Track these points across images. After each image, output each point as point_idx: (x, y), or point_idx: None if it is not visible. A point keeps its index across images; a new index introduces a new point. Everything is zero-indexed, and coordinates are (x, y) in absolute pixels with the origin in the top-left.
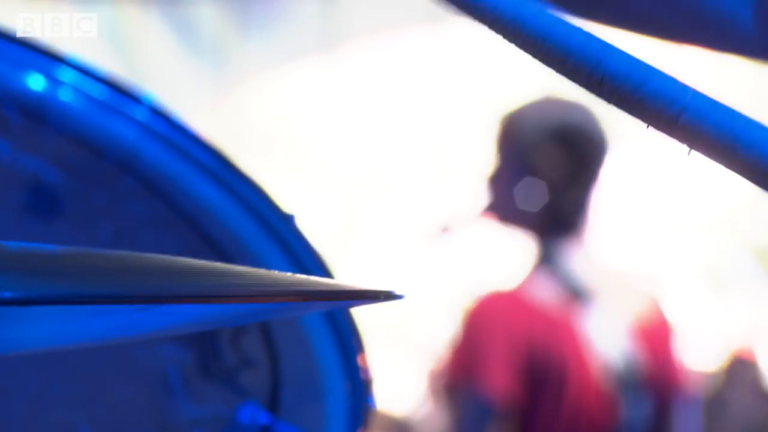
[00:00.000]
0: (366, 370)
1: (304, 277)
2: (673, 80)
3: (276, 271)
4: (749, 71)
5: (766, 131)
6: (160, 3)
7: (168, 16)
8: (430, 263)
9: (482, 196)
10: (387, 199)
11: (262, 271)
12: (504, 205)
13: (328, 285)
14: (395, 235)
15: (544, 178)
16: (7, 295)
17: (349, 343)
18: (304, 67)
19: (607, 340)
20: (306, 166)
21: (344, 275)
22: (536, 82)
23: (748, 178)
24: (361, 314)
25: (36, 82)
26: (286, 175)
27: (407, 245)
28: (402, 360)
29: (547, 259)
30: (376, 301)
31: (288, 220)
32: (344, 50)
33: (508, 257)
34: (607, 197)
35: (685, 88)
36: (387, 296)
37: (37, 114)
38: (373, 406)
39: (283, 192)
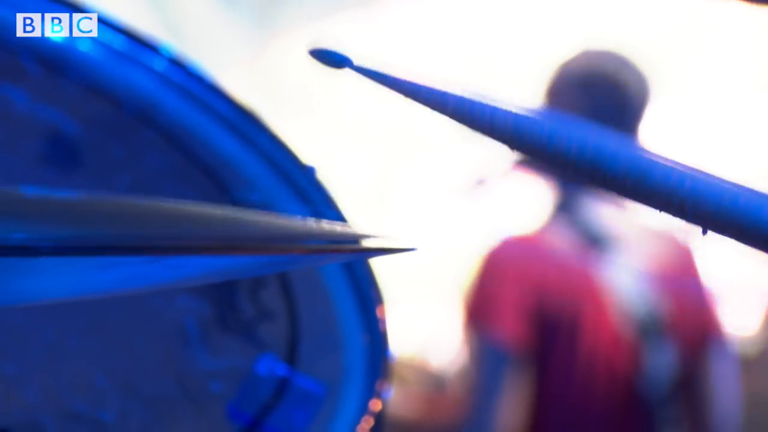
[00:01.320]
0: (385, 322)
1: (319, 226)
2: (671, 170)
3: (291, 218)
4: None
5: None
6: None
7: None
8: (465, 217)
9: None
10: (423, 154)
11: (277, 218)
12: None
13: (340, 235)
14: (432, 189)
15: None
16: (20, 236)
17: (368, 294)
18: (342, 23)
19: (627, 287)
20: (341, 122)
21: (380, 229)
22: (578, 38)
23: (761, 250)
24: (397, 268)
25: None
26: (320, 130)
27: (443, 199)
28: (437, 313)
29: (565, 206)
30: (390, 253)
31: (308, 172)
32: (382, 5)
33: (536, 210)
34: (648, 148)
35: (683, 175)
36: (400, 249)
37: (56, 64)
38: (392, 358)
39: (318, 147)
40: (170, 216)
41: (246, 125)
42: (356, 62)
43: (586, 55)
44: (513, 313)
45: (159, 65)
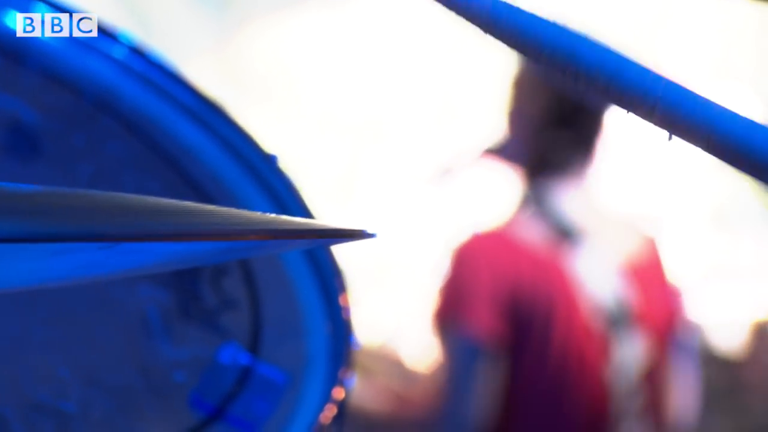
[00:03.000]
0: (348, 310)
1: (275, 216)
2: (646, 71)
3: (248, 211)
4: (755, 13)
5: (737, 118)
6: None
7: None
8: (432, 206)
9: (483, 137)
10: (389, 144)
11: (234, 211)
12: (502, 144)
13: (299, 224)
14: (397, 179)
15: (526, 114)
16: None
17: (331, 283)
18: (307, 12)
19: (597, 279)
20: (308, 111)
21: (347, 219)
22: None
23: (724, 161)
24: (366, 257)
25: (14, 21)
26: (288, 119)
27: (409, 189)
28: (405, 303)
29: (535, 199)
30: (348, 239)
31: (270, 160)
32: None
33: (506, 199)
34: (613, 138)
35: (657, 78)
36: (359, 235)
37: (15, 53)
38: (356, 346)
39: (286, 136)
40: (123, 206)
41: (207, 113)
42: None
43: None
44: (486, 307)
45: (118, 53)
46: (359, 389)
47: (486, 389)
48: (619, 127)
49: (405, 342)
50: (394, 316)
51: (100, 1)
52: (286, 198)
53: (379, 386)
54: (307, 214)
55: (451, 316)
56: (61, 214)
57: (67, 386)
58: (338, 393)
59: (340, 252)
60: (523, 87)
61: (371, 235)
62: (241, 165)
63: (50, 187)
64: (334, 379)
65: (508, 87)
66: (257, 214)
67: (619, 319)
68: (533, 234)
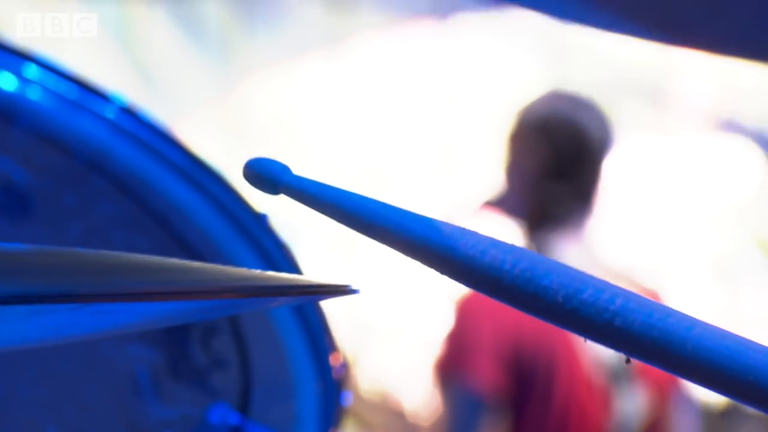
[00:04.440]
0: (338, 370)
1: (259, 272)
2: (605, 286)
3: (232, 267)
4: (757, 75)
5: (694, 329)
6: None
7: (173, 11)
8: None
9: (484, 189)
10: (389, 195)
11: (217, 267)
12: (501, 196)
13: (281, 280)
14: None
15: (524, 167)
16: None
17: (321, 342)
18: (310, 63)
19: None
20: (310, 161)
21: (348, 270)
22: (544, 79)
23: (692, 381)
24: (364, 310)
25: (6, 82)
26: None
27: None
28: (406, 355)
29: (535, 249)
30: (332, 296)
31: (260, 219)
32: (349, 45)
33: None
34: (613, 190)
35: (616, 292)
36: (343, 291)
37: (6, 113)
38: (346, 404)
39: None
40: (99, 265)
41: (198, 172)
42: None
43: (548, 99)
44: (488, 360)
45: (110, 113)
46: None
47: None
48: (619, 179)
49: (407, 394)
50: (396, 368)
51: (102, 55)
52: (277, 257)
53: None
54: (298, 273)
55: (453, 368)
56: (35, 273)
57: None
58: None
59: (342, 305)
60: (520, 140)
61: (355, 291)
62: (232, 224)
63: (35, 245)
64: None
65: (506, 140)
66: (240, 271)
67: (620, 373)
68: None
